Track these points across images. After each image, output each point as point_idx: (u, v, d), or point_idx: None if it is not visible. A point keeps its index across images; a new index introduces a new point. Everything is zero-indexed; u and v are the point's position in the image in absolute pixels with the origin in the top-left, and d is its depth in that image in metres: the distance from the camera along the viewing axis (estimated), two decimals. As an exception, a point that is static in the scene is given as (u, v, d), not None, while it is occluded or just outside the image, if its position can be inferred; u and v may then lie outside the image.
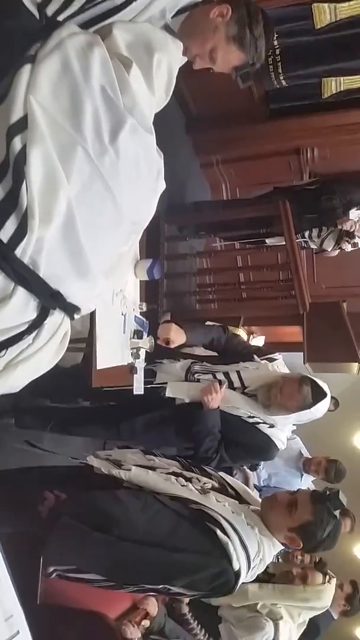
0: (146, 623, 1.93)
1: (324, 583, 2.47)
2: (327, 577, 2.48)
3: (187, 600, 2.28)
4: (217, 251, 4.19)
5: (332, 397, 1.86)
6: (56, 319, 1.06)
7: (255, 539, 1.62)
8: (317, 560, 2.54)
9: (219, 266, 3.95)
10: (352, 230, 3.59)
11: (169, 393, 2.38)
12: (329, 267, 4.77)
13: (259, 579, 2.47)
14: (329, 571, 2.51)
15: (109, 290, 1.16)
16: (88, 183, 0.97)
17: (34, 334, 1.04)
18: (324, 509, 1.69)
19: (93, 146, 0.95)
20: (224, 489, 1.77)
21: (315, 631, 2.61)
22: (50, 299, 0.99)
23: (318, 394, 2.18)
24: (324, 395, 2.20)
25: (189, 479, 1.73)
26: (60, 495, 1.65)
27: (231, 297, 3.66)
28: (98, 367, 1.83)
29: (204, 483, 1.73)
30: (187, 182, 4.33)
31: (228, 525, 1.57)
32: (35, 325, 1.02)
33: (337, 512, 1.73)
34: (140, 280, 2.34)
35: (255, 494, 1.82)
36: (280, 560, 3.74)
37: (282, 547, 1.73)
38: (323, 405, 2.21)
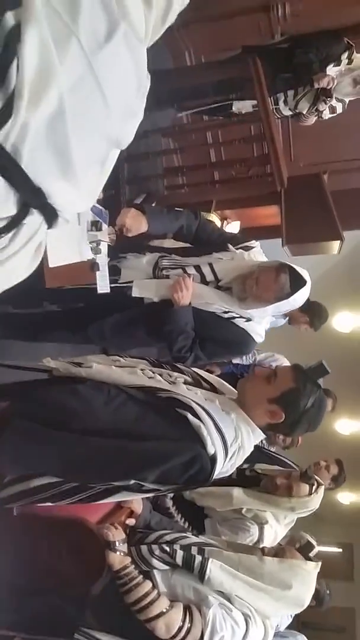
0: (131, 521, 1.99)
1: (311, 494, 2.46)
2: (315, 486, 2.47)
3: (170, 494, 2.37)
4: (183, 125, 3.88)
5: (328, 393, 1.64)
6: (35, 221, 1.01)
7: (232, 424, 1.56)
8: (304, 471, 2.55)
9: (186, 144, 3.67)
10: (329, 87, 3.32)
11: (135, 292, 2.28)
12: (306, 142, 4.49)
13: (244, 479, 2.56)
14: (316, 479, 2.51)
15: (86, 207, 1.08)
16: (80, 78, 0.95)
17: (11, 234, 0.98)
18: (306, 376, 1.63)
19: (88, 41, 0.92)
20: (197, 382, 1.71)
21: None
22: (31, 195, 0.95)
23: (297, 282, 2.11)
24: (303, 282, 2.12)
25: (157, 374, 1.67)
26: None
27: (202, 179, 3.42)
28: (50, 265, 1.70)
29: (175, 378, 1.67)
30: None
31: (200, 409, 1.51)
32: (15, 222, 0.97)
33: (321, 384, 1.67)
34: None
35: (232, 389, 1.75)
36: (264, 442, 3.96)
37: (263, 436, 1.68)
38: (302, 294, 2.14)
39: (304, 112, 3.53)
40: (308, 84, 3.42)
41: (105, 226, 2.06)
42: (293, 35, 3.68)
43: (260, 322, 2.30)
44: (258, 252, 2.33)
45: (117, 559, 1.74)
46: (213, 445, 1.48)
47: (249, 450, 1.62)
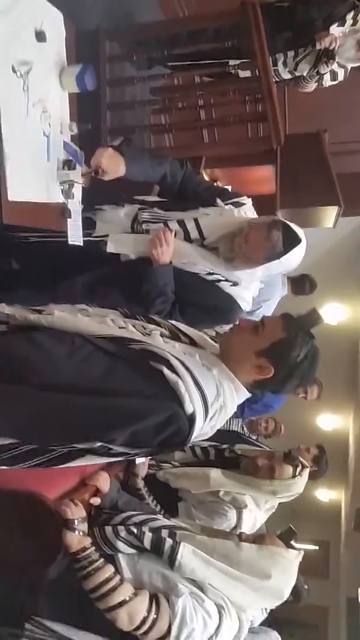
0: (96, 500, 1.83)
1: (294, 476, 2.33)
2: (299, 469, 2.34)
3: (142, 474, 2.22)
4: (173, 85, 3.68)
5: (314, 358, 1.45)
6: None
7: (213, 380, 1.40)
8: (287, 451, 2.43)
9: (175, 106, 3.49)
10: (332, 47, 3.18)
11: (110, 248, 2.09)
12: (303, 112, 4.35)
13: (223, 460, 2.41)
14: (301, 460, 2.40)
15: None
16: None
17: None
18: (298, 325, 1.46)
19: None
20: (175, 336, 1.53)
21: None
22: None
23: (290, 240, 1.93)
24: (298, 241, 1.95)
25: (130, 325, 1.49)
26: None
27: (192, 135, 3.24)
28: (10, 198, 1.50)
29: (151, 330, 1.49)
30: (136, 10, 3.73)
31: (178, 362, 1.34)
32: None
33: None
34: (70, 94, 1.92)
35: (214, 343, 1.58)
36: (245, 429, 3.84)
37: (248, 395, 1.50)
38: (296, 254, 1.97)
39: (304, 74, 3.36)
40: (309, 45, 3.27)
41: (79, 167, 1.86)
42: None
43: (248, 287, 2.14)
44: (249, 209, 2.16)
45: (76, 539, 1.58)
46: (191, 403, 1.32)
47: (231, 410, 1.46)
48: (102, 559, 1.59)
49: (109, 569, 1.58)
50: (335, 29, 3.26)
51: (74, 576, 1.59)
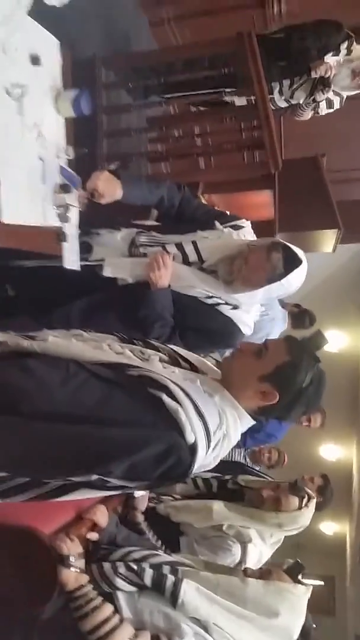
0: (94, 535, 1.75)
1: (301, 508, 2.24)
2: (305, 499, 2.26)
3: (142, 508, 2.14)
4: (169, 116, 3.73)
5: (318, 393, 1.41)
6: None
7: (216, 408, 1.33)
8: (292, 482, 2.35)
9: (171, 134, 3.52)
10: (327, 75, 3.21)
11: (107, 272, 2.06)
12: (299, 140, 4.40)
13: (226, 493, 2.33)
14: (307, 491, 2.32)
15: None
16: None
17: None
18: (302, 348, 1.40)
19: None
20: (175, 361, 1.48)
21: None
22: None
23: (291, 261, 1.90)
24: (299, 262, 1.91)
25: (127, 349, 1.44)
26: None
27: (189, 161, 3.25)
28: (4, 220, 1.47)
29: (149, 355, 1.43)
30: (131, 39, 3.80)
31: (178, 389, 1.28)
32: None
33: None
34: (66, 119, 1.92)
35: (215, 368, 1.52)
36: (247, 460, 3.76)
37: (252, 422, 1.44)
38: (297, 276, 1.94)
39: (301, 102, 3.40)
40: (305, 73, 3.30)
41: (75, 190, 1.84)
42: (289, 25, 3.57)
43: (249, 310, 2.10)
44: (248, 232, 2.14)
45: (72, 576, 1.50)
46: (193, 432, 1.25)
47: (235, 439, 1.39)
48: (100, 598, 1.52)
49: (108, 608, 1.50)
50: (329, 59, 3.29)
51: (71, 616, 1.51)
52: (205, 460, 1.32)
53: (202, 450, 1.26)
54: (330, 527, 10.48)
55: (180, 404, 1.26)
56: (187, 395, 1.28)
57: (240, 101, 3.57)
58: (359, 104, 4.27)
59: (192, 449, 1.25)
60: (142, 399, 1.27)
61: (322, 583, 11.31)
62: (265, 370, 1.38)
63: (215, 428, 1.31)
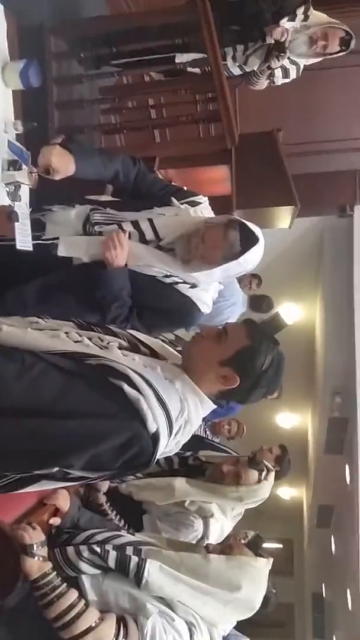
0: (56, 521, 1.73)
1: (260, 481, 2.26)
2: (264, 473, 2.27)
3: (104, 489, 2.12)
4: (122, 85, 3.61)
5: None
6: None
7: (177, 394, 1.32)
8: (251, 455, 2.37)
9: (125, 105, 3.41)
10: (283, 40, 3.07)
11: (61, 251, 1.99)
12: (253, 111, 4.35)
13: (187, 469, 2.34)
14: (266, 464, 2.35)
15: None
16: None
17: None
18: (262, 332, 1.40)
19: None
20: (135, 347, 1.45)
21: None
22: None
23: (248, 240, 1.88)
24: (256, 240, 1.89)
25: (85, 337, 1.40)
26: None
27: (144, 135, 3.16)
28: None
29: (108, 342, 1.40)
30: (81, 6, 3.63)
31: (138, 377, 1.26)
32: None
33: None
34: (14, 91, 1.82)
35: (176, 353, 1.50)
36: (208, 433, 3.79)
37: (213, 406, 1.44)
38: (254, 254, 1.91)
39: (255, 69, 3.29)
40: (259, 39, 3.16)
41: (25, 167, 1.76)
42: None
43: (207, 289, 2.08)
44: (206, 209, 2.10)
45: (35, 565, 1.48)
46: (155, 421, 1.23)
47: (196, 424, 1.39)
48: (64, 584, 1.50)
49: (73, 594, 1.49)
50: (285, 24, 3.15)
51: (35, 604, 1.49)
52: (167, 447, 1.31)
53: (164, 438, 1.25)
54: (287, 492, 10.82)
55: (141, 393, 1.24)
56: (148, 383, 1.26)
57: (194, 69, 3.46)
58: (314, 75, 4.28)
59: (154, 437, 1.23)
60: (102, 389, 1.25)
61: (280, 546, 11.74)
62: (225, 355, 1.37)
63: (177, 415, 1.30)
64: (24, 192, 1.81)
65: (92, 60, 3.37)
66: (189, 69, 3.40)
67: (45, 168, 1.79)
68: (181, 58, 3.29)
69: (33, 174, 1.79)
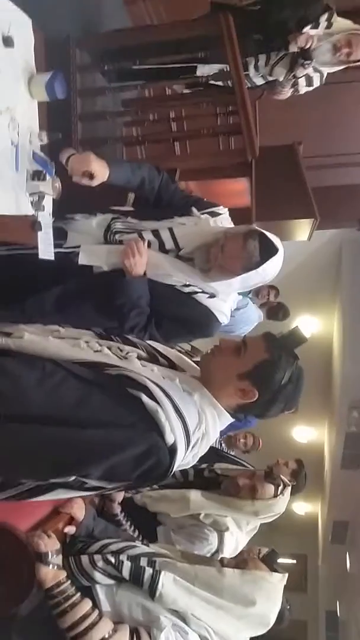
0: (71, 529, 1.73)
1: (276, 496, 2.24)
2: (281, 487, 2.26)
3: (119, 499, 2.11)
4: (144, 97, 3.64)
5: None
6: None
7: (195, 407, 1.32)
8: (268, 469, 2.34)
9: (147, 118, 3.45)
10: (308, 47, 3.02)
11: (82, 259, 2.00)
12: (273, 125, 4.35)
13: (203, 481, 2.32)
14: (283, 479, 2.33)
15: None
16: None
17: None
18: (281, 346, 1.38)
19: None
20: (153, 358, 1.45)
21: None
22: None
23: (267, 250, 1.87)
24: (275, 251, 1.89)
25: (105, 347, 1.40)
26: None
27: (164, 148, 3.18)
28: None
29: (127, 352, 1.41)
30: (105, 18, 3.68)
31: (157, 388, 1.26)
32: None
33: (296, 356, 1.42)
34: (39, 103, 1.84)
35: (194, 364, 1.50)
36: (223, 445, 3.76)
37: (231, 420, 1.43)
38: (273, 265, 1.91)
39: (280, 79, 3.24)
40: (282, 47, 3.12)
41: (49, 178, 1.78)
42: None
43: (226, 299, 2.07)
44: (226, 220, 2.10)
45: (50, 573, 1.48)
46: (172, 432, 1.23)
47: (214, 437, 1.38)
48: (78, 593, 1.50)
49: (87, 604, 1.49)
50: (309, 31, 3.08)
51: (49, 612, 1.49)
52: (184, 460, 1.30)
53: (181, 450, 1.25)
54: (302, 508, 10.68)
55: (159, 404, 1.23)
56: (167, 394, 1.26)
57: (215, 82, 3.46)
58: (334, 88, 4.27)
59: (172, 449, 1.23)
60: (121, 399, 1.25)
61: (294, 562, 11.56)
62: (244, 368, 1.36)
63: (195, 427, 1.29)
64: (48, 202, 1.83)
65: (115, 72, 3.41)
66: (211, 82, 3.40)
67: (86, 174, 1.81)
68: (203, 70, 3.29)
69: (56, 185, 1.80)
